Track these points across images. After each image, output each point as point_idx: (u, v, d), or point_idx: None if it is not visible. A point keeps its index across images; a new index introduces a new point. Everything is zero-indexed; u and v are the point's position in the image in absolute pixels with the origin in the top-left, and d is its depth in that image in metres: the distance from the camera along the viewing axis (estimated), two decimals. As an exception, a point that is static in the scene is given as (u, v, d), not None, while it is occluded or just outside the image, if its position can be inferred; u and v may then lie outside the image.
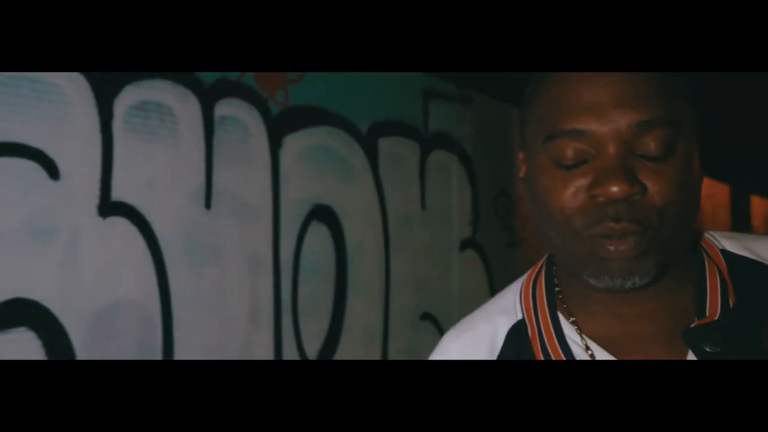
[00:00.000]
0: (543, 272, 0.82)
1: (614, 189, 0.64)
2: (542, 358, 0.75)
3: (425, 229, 2.88)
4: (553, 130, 0.68)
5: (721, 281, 0.74)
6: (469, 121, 3.16)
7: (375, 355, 2.57)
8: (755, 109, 4.52)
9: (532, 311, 0.78)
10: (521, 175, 0.78)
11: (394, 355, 2.63)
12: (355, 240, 2.48)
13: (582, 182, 0.68)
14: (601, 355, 0.73)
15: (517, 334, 0.78)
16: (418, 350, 2.79)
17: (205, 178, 1.92)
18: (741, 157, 6.39)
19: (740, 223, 8.12)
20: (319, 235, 2.34)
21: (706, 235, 0.79)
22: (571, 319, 0.76)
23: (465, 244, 3.11)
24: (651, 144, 0.66)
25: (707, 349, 0.69)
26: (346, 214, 2.45)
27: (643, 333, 0.73)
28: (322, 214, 2.36)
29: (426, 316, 2.86)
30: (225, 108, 1.98)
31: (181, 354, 1.81)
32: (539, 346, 0.76)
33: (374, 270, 2.59)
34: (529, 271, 0.85)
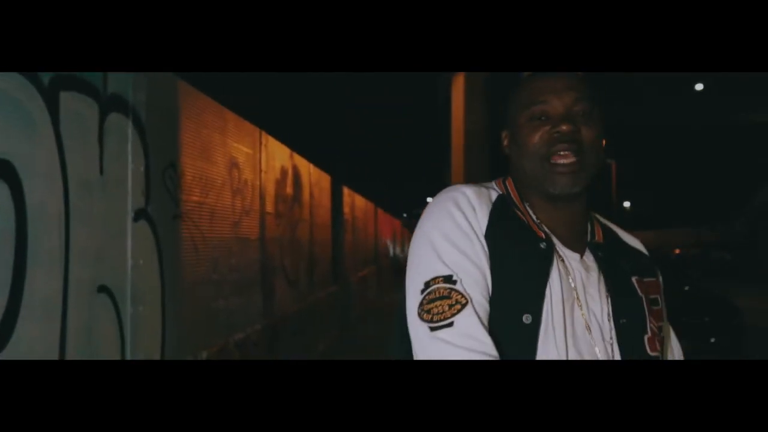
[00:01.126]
0: (509, 183, 1.21)
1: (564, 127, 1.11)
2: (522, 219, 1.13)
3: (103, 196, 2.68)
4: (532, 101, 1.14)
5: (599, 226, 1.22)
6: (144, 88, 3.03)
7: (54, 332, 2.31)
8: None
9: (508, 193, 1.19)
10: (505, 144, 1.20)
11: (72, 334, 2.39)
12: (36, 202, 2.19)
13: (546, 128, 1.13)
14: (553, 238, 1.14)
15: (503, 199, 1.17)
16: (96, 326, 2.60)
17: None
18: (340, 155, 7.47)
19: (337, 207, 9.30)
20: None
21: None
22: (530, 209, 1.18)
23: (138, 215, 2.98)
24: (582, 108, 1.12)
25: (600, 254, 1.15)
26: (27, 172, 2.15)
27: (565, 227, 1.16)
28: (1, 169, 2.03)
29: (102, 289, 2.67)
30: None
31: None
32: (518, 211, 1.15)
33: (55, 237, 2.32)
34: (487, 184, 1.22)
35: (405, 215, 39.68)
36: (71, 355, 2.39)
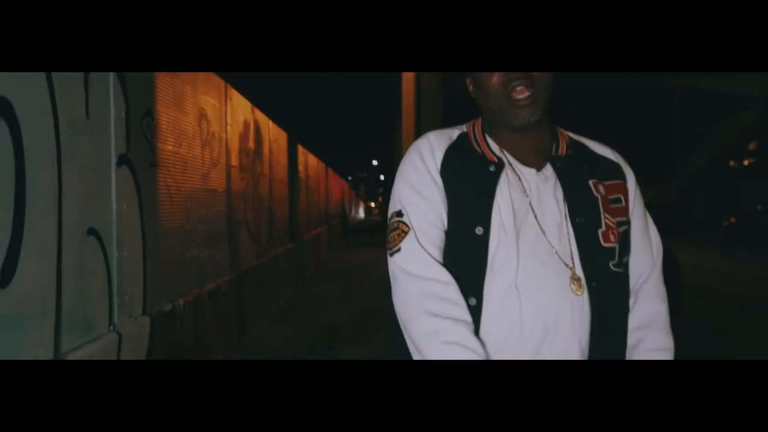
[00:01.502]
0: (477, 123, 1.38)
1: (519, 73, 1.25)
2: (478, 151, 1.31)
3: (90, 140, 2.68)
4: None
5: (565, 142, 1.37)
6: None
7: (51, 272, 2.33)
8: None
9: (472, 131, 1.37)
10: (471, 90, 1.36)
11: (67, 274, 2.42)
12: (31, 142, 2.20)
13: (504, 75, 1.27)
14: (510, 158, 1.30)
15: (464, 136, 1.36)
16: (87, 268, 2.63)
17: None
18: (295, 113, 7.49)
19: (293, 165, 9.30)
20: None
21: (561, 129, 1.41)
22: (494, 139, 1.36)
23: (121, 160, 2.99)
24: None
25: (558, 165, 1.30)
26: (23, 112, 2.15)
27: (531, 153, 1.32)
28: (-1, 108, 2.03)
29: (92, 232, 2.69)
30: None
31: None
32: (475, 144, 1.33)
33: (49, 178, 2.33)
34: (456, 126, 1.39)
35: (350, 178, 39.66)
36: (66, 295, 2.42)
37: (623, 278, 1.28)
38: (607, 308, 1.23)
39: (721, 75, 24.88)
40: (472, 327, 1.19)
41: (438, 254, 1.24)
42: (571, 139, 1.38)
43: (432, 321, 1.18)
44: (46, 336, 2.31)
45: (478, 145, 1.31)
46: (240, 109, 5.66)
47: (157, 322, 3.36)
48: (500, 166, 1.27)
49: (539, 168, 1.29)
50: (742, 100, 26.51)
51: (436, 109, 12.36)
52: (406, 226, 1.25)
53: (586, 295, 1.21)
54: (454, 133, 1.35)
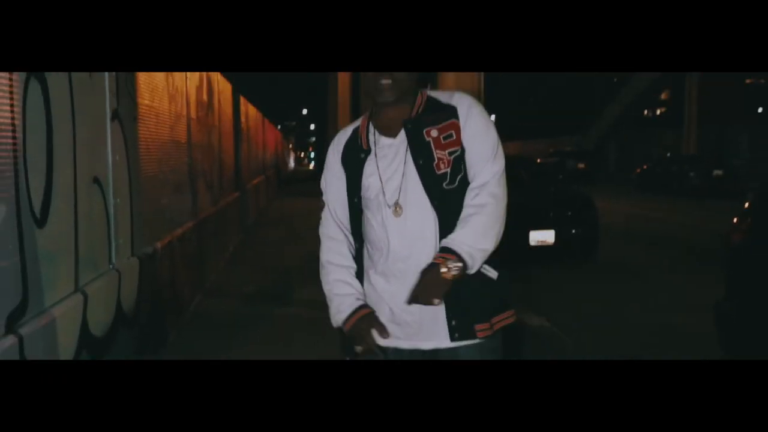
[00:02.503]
0: (365, 115, 1.90)
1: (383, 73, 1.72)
2: (358, 141, 1.83)
3: (91, 96, 2.95)
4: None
5: (420, 104, 1.80)
6: None
7: (70, 217, 2.64)
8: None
9: (364, 124, 1.87)
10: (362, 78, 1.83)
11: (81, 219, 2.74)
12: (54, 97, 2.48)
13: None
14: (378, 137, 1.81)
15: (356, 130, 1.88)
16: (93, 213, 2.94)
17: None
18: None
19: (236, 116, 9.42)
20: None
21: (427, 90, 1.84)
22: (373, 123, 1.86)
23: (114, 115, 3.26)
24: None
25: (408, 127, 1.75)
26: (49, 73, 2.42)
27: (393, 120, 1.79)
28: None
29: (95, 180, 2.99)
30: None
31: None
32: (361, 134, 1.84)
33: (67, 131, 2.62)
34: (356, 121, 1.93)
35: (279, 127, 39.31)
36: (81, 237, 2.75)
37: (457, 191, 1.73)
38: (448, 215, 1.71)
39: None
40: (353, 269, 1.83)
41: (337, 218, 1.85)
42: (428, 99, 1.82)
43: (324, 265, 1.86)
44: (70, 271, 2.64)
45: (360, 136, 1.84)
46: (194, 62, 5.85)
47: (143, 263, 3.70)
48: (367, 151, 1.80)
49: (395, 135, 1.78)
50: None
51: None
52: (324, 202, 1.88)
53: (413, 213, 1.72)
54: (349, 129, 1.91)
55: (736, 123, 25.28)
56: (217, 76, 7.40)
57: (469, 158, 1.74)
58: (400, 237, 1.73)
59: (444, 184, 1.71)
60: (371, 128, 1.83)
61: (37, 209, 2.31)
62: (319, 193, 1.91)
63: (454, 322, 1.72)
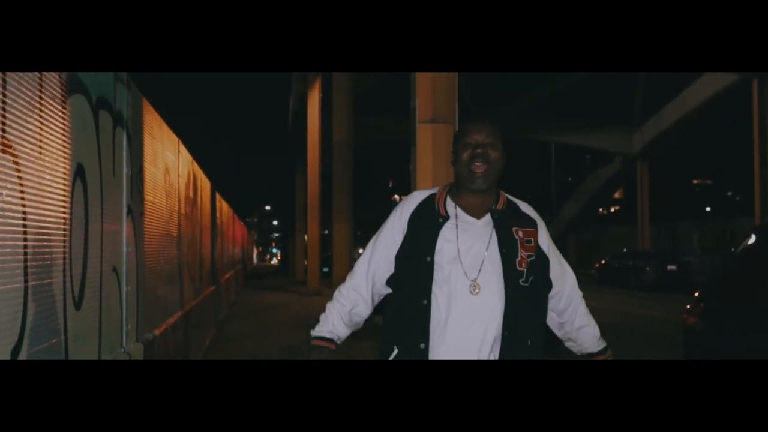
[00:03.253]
0: (443, 186, 2.07)
1: (479, 150, 1.95)
2: (436, 207, 1.98)
3: (114, 192, 3.27)
4: (464, 135, 2.00)
5: (504, 201, 2.03)
6: (130, 104, 3.63)
7: (96, 300, 2.90)
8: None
9: (441, 194, 2.04)
10: (452, 161, 2.02)
11: (105, 307, 2.98)
12: (90, 192, 2.79)
13: (469, 150, 1.96)
14: (460, 211, 1.97)
15: (431, 197, 2.03)
16: (110, 298, 3.19)
17: None
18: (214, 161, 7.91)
19: (214, 212, 9.70)
20: None
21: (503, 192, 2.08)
22: (452, 199, 2.02)
23: (129, 210, 3.57)
24: (489, 140, 1.96)
25: (495, 216, 1.97)
26: (89, 171, 2.75)
27: (478, 207, 1.98)
28: None
29: (113, 269, 3.26)
30: None
31: None
32: (438, 202, 1.99)
33: (98, 223, 2.92)
34: (434, 188, 2.10)
35: (246, 220, 39.59)
36: (104, 321, 2.98)
37: (528, 290, 1.93)
38: (516, 305, 1.89)
39: (587, 132, 27.68)
40: (349, 316, 2.06)
41: (371, 272, 2.05)
42: (508, 199, 2.06)
43: (337, 297, 2.10)
44: (94, 352, 2.86)
45: (437, 204, 2.01)
46: (185, 160, 6.23)
47: (146, 348, 3.90)
48: (446, 218, 1.95)
49: (480, 217, 1.97)
50: (608, 154, 29.47)
51: (347, 160, 13.16)
52: (360, 260, 2.10)
53: (487, 295, 1.87)
54: (424, 194, 2.07)
55: (686, 221, 26.64)
56: (200, 174, 7.77)
57: (554, 273, 2.03)
58: (468, 313, 1.87)
59: (520, 281, 1.91)
60: (450, 201, 2.00)
61: (76, 294, 2.58)
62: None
63: None
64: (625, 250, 23.82)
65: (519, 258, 1.92)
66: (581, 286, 2.15)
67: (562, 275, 2.08)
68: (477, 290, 1.87)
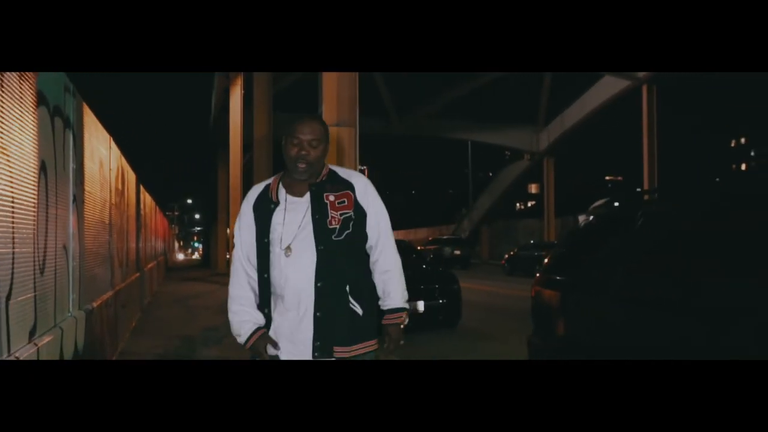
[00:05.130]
0: (278, 174, 2.48)
1: (303, 152, 2.31)
2: (270, 195, 2.36)
3: (63, 182, 3.94)
4: (292, 132, 2.33)
5: (324, 174, 2.38)
6: (74, 109, 4.29)
7: (52, 270, 3.58)
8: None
9: (275, 182, 2.42)
10: (282, 150, 2.35)
11: (56, 273, 3.67)
12: (50, 181, 3.48)
13: (296, 149, 2.31)
14: (288, 195, 2.35)
15: (267, 186, 2.43)
16: (63, 271, 3.86)
17: None
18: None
19: (138, 202, 10.15)
20: None
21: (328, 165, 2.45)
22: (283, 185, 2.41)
23: (74, 199, 4.23)
24: (313, 139, 2.30)
25: (312, 189, 2.32)
26: (48, 161, 3.44)
27: (302, 188, 2.35)
28: None
29: (64, 247, 3.93)
30: None
31: None
32: (272, 191, 2.38)
33: (54, 207, 3.60)
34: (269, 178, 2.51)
35: (167, 213, 39.23)
36: (58, 287, 3.67)
37: (342, 243, 2.24)
38: (330, 258, 2.22)
39: (498, 131, 29.35)
40: (252, 299, 2.32)
41: (245, 257, 2.33)
42: (330, 170, 2.36)
43: (231, 296, 2.38)
44: (51, 311, 3.55)
45: (271, 191, 2.35)
46: (115, 155, 6.83)
47: (87, 316, 4.57)
48: (276, 203, 2.30)
49: (303, 195, 2.30)
50: (518, 151, 31.23)
51: (267, 156, 13.81)
52: (234, 243, 2.43)
53: (297, 255, 2.22)
54: (262, 185, 2.40)
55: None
56: (127, 167, 8.33)
57: (370, 223, 2.32)
58: (293, 272, 2.23)
59: (333, 236, 2.24)
60: (281, 187, 2.35)
61: (41, 262, 3.27)
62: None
63: (318, 343, 2.25)
64: (532, 241, 25.45)
65: (329, 218, 2.26)
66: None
67: (377, 225, 2.37)
68: (289, 253, 2.24)
